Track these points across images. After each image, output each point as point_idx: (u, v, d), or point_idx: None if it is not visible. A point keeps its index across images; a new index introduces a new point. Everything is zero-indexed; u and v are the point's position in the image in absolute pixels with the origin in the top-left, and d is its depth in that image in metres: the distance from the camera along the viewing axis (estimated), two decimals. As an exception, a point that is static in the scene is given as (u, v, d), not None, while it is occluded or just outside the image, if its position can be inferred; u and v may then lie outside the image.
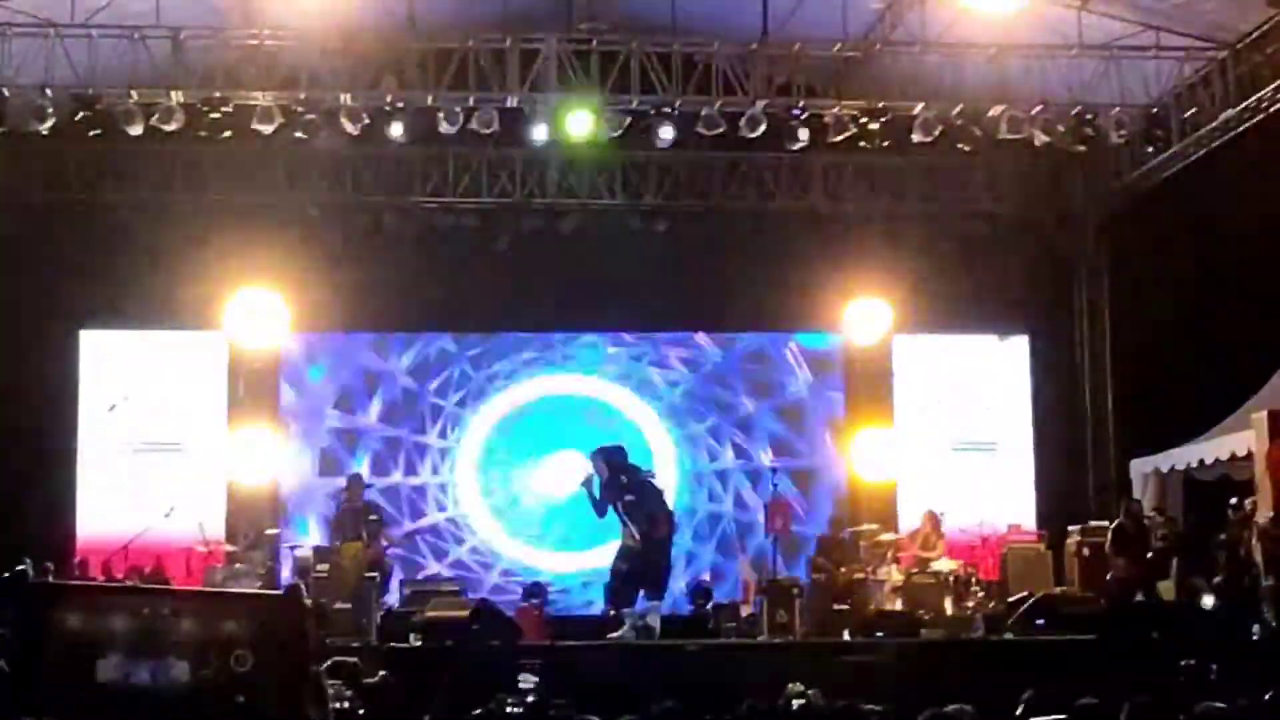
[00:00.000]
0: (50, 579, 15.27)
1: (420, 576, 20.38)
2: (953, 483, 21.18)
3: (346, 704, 11.01)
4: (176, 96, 18.30)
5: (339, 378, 21.93)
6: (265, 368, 21.33)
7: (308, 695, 9.40)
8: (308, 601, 16.12)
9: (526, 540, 21.90)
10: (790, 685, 12.29)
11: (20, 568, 15.27)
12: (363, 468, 20.96)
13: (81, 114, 18.23)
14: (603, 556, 18.22)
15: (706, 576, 21.07)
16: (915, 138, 19.07)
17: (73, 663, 9.19)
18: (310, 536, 20.68)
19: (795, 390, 22.41)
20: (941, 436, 21.82)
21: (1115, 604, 17.57)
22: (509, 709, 12.15)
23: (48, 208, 20.15)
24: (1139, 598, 17.95)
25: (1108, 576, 18.29)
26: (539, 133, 18.93)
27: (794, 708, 11.09)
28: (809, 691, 12.15)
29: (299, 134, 18.77)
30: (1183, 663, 14.07)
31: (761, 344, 22.48)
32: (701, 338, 22.40)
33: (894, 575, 18.62)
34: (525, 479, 22.01)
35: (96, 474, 20.58)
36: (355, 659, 12.18)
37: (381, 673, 12.38)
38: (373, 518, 18.28)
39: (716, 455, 22.38)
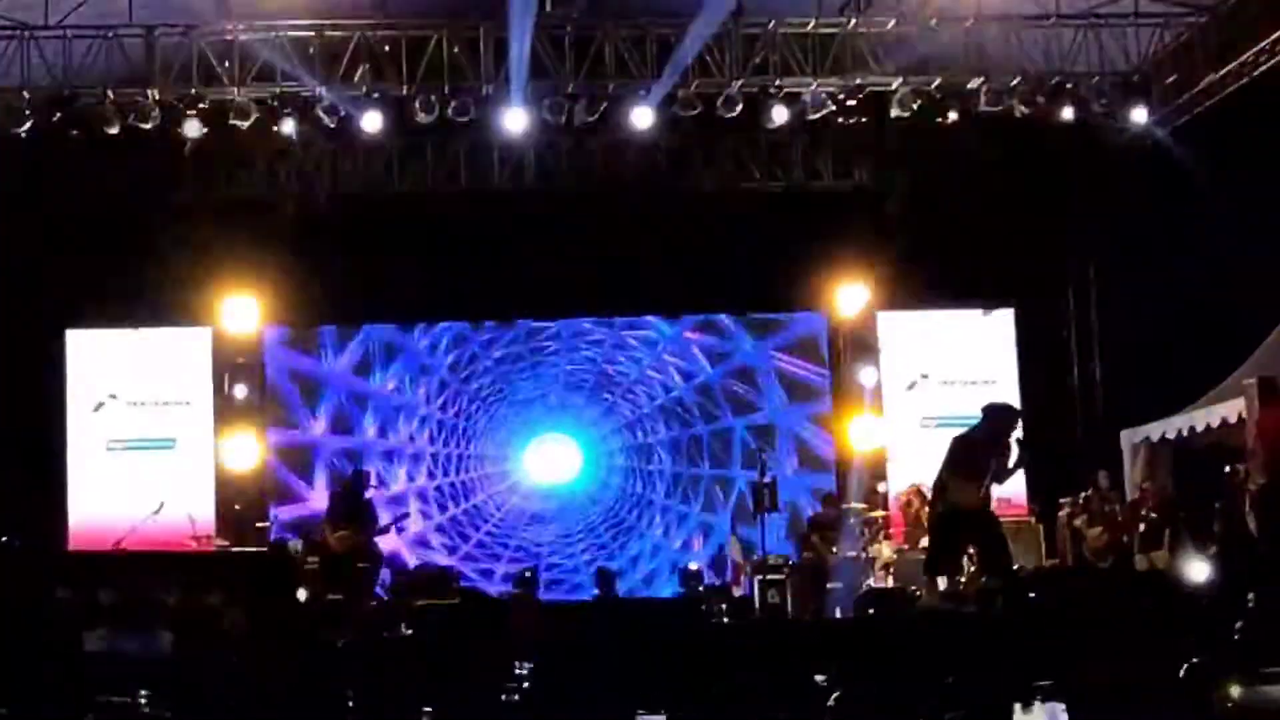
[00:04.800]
0: None
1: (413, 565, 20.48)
2: (942, 458, 21.13)
3: None
4: (152, 94, 18.33)
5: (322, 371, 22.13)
6: (250, 361, 21.40)
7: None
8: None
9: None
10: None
11: (4, 539, 15.19)
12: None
13: (59, 115, 18.27)
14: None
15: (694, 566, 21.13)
16: (894, 112, 19.04)
17: (61, 633, 9.19)
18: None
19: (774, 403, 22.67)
20: (929, 412, 21.73)
21: (1102, 575, 17.58)
22: (504, 697, 12.15)
23: (28, 209, 20.08)
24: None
25: (1082, 549, 18.35)
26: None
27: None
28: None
29: (276, 128, 18.78)
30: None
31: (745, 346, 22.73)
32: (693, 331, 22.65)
33: (885, 552, 18.64)
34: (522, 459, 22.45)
35: (86, 472, 20.56)
36: None
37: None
38: (366, 512, 18.30)
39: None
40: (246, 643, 9.16)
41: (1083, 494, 19.22)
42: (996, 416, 16.48)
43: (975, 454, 16.27)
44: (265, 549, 17.81)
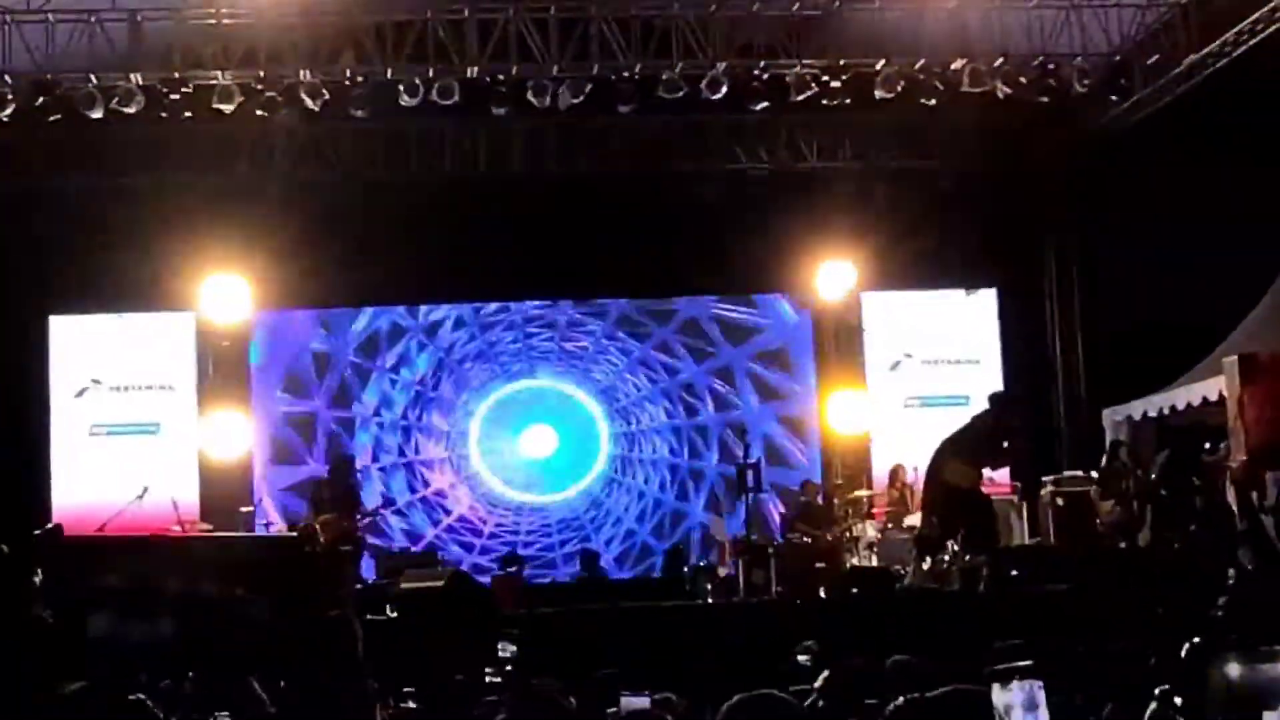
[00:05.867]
0: None
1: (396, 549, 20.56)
2: (925, 438, 21.16)
3: None
4: (136, 79, 18.30)
5: (300, 354, 22.23)
6: (234, 346, 21.38)
7: (331, 634, 9.32)
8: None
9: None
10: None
11: (52, 526, 15.11)
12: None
13: (42, 99, 18.24)
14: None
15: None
16: (877, 94, 19.07)
17: (67, 619, 9.21)
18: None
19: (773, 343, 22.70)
20: (912, 392, 21.83)
21: (1101, 550, 17.64)
22: (488, 678, 12.19)
23: (11, 195, 20.05)
24: (1122, 544, 18.01)
25: (1096, 521, 18.38)
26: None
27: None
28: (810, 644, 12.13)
29: (260, 112, 18.76)
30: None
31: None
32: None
33: (869, 532, 18.71)
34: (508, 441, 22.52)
35: (69, 457, 20.57)
36: None
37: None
38: (351, 497, 18.34)
39: (696, 410, 22.61)
40: (273, 628, 9.16)
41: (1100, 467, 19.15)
42: (1004, 407, 16.68)
43: (978, 439, 16.44)
44: (296, 533, 17.73)
